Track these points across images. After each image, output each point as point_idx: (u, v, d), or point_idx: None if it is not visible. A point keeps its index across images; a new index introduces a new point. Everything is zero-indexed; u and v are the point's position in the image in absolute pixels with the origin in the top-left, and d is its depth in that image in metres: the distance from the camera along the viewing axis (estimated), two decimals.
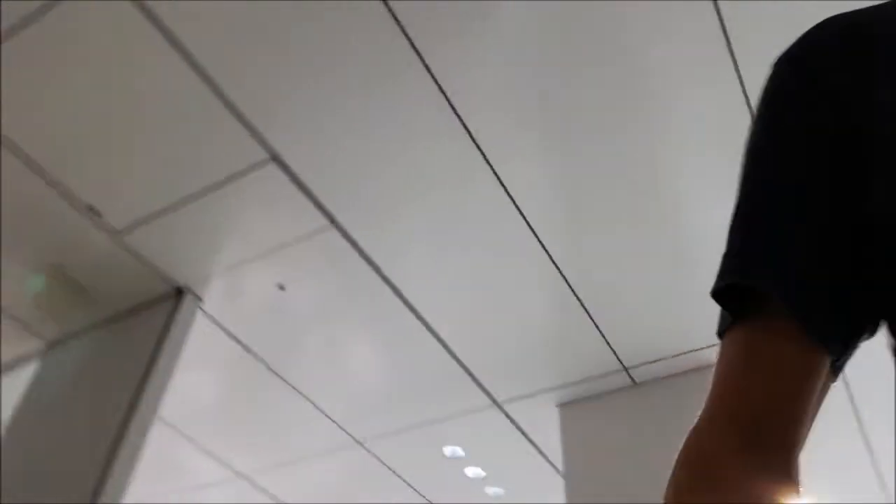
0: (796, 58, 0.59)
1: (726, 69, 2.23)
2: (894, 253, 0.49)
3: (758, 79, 2.06)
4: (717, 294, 0.56)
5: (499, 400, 3.47)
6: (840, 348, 0.53)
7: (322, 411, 3.62)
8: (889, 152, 0.50)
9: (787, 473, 0.50)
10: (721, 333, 0.56)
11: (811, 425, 0.55)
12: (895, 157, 0.49)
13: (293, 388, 3.48)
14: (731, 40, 2.17)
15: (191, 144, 2.48)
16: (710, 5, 2.10)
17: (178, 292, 2.97)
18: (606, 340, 3.14)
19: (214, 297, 3.03)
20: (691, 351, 3.16)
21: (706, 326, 2.85)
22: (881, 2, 0.59)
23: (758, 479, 0.50)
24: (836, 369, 0.56)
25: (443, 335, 3.17)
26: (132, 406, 2.74)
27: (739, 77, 2.25)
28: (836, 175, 0.52)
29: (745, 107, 2.33)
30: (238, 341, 3.23)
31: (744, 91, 2.28)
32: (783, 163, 0.56)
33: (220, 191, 2.59)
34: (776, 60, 0.61)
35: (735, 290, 0.55)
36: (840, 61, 0.55)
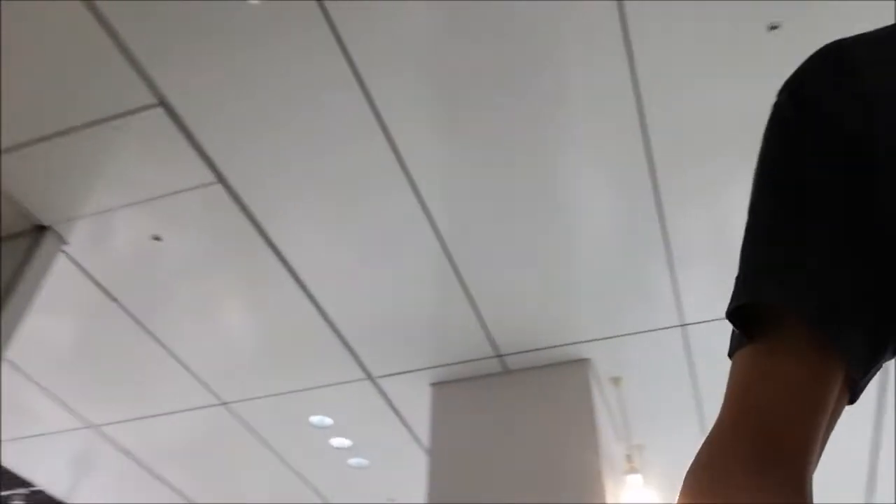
0: (793, 87, 0.61)
1: (622, 75, 2.28)
2: None
3: (656, 100, 2.12)
4: (732, 315, 0.56)
5: (373, 374, 3.46)
6: (861, 364, 0.54)
7: (187, 368, 3.48)
8: (891, 165, 0.52)
9: (799, 492, 0.50)
10: (732, 353, 0.57)
11: (824, 444, 0.56)
12: None
13: (158, 341, 3.33)
14: (635, 60, 2.22)
15: (74, 77, 2.28)
16: (623, 46, 2.13)
17: (40, 230, 2.75)
18: (485, 326, 3.19)
19: (81, 240, 2.83)
20: (563, 345, 3.26)
21: (579, 323, 2.99)
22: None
23: (769, 496, 0.50)
24: (856, 391, 0.57)
25: (323, 304, 3.12)
26: None
27: (638, 97, 2.31)
28: (841, 192, 0.54)
29: (639, 126, 2.39)
30: (103, 289, 3.04)
31: (641, 115, 2.35)
32: (787, 187, 0.58)
33: (99, 129, 2.40)
34: (778, 91, 0.63)
35: (748, 310, 0.55)
36: (833, 85, 0.58)
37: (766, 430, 0.51)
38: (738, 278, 0.57)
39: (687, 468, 0.54)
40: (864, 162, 0.53)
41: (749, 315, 0.55)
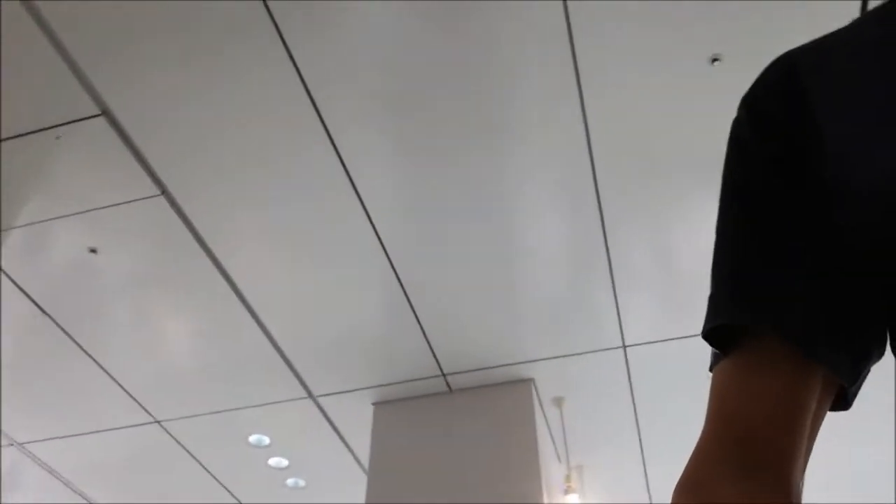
0: (748, 102, 0.63)
1: (572, 100, 2.33)
2: (874, 261, 0.52)
3: (602, 127, 2.17)
4: (707, 335, 0.57)
5: (315, 393, 3.41)
6: (848, 374, 0.55)
7: (120, 384, 3.36)
8: (843, 171, 0.53)
9: (785, 495, 0.51)
10: (712, 368, 0.57)
11: (810, 448, 0.57)
12: (850, 176, 0.53)
13: (90, 357, 3.21)
14: (584, 92, 2.27)
15: (12, 84, 2.19)
16: (570, 56, 2.18)
17: None
18: (430, 345, 3.18)
19: (13, 251, 2.72)
20: (508, 364, 3.28)
21: (524, 343, 3.02)
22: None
23: (756, 501, 0.51)
24: (849, 398, 0.58)
25: (265, 321, 3.06)
26: None
27: (586, 124, 2.36)
28: (800, 207, 0.55)
29: (586, 150, 2.44)
30: (34, 301, 2.92)
31: (587, 136, 2.40)
32: (749, 204, 0.59)
33: (37, 138, 2.32)
34: (738, 107, 0.64)
35: (723, 328, 0.56)
36: (784, 98, 0.59)
37: (747, 438, 0.53)
38: (710, 298, 0.59)
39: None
40: (820, 176, 0.54)
41: (724, 332, 0.56)
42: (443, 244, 2.78)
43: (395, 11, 2.12)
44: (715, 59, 2.22)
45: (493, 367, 3.31)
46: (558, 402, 3.47)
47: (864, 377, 0.57)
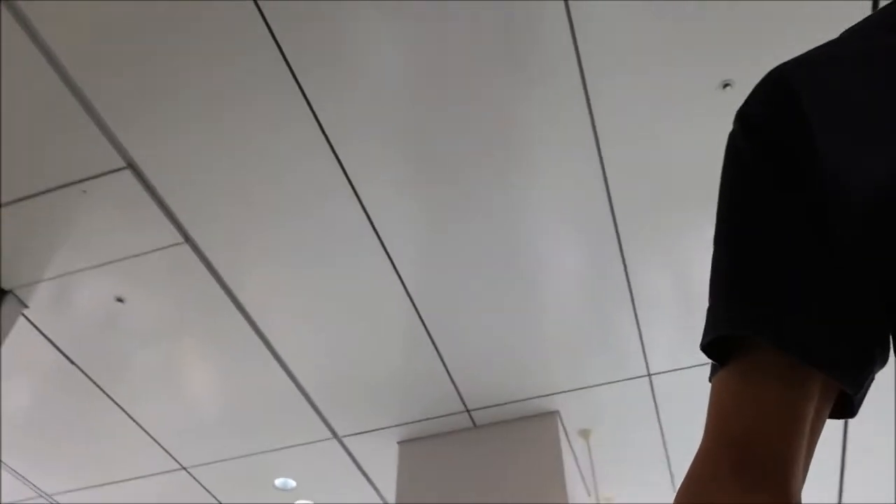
0: (743, 116, 0.64)
1: (586, 134, 2.36)
2: (871, 267, 0.53)
3: (616, 156, 2.20)
4: (705, 347, 0.59)
5: (339, 433, 3.41)
6: (851, 381, 0.55)
7: (146, 431, 3.39)
8: (836, 180, 0.54)
9: (784, 501, 0.52)
10: (711, 378, 0.59)
11: (811, 455, 0.57)
12: (842, 184, 0.54)
13: (118, 405, 3.24)
14: (598, 130, 2.31)
15: (39, 142, 2.26)
16: (582, 92, 2.22)
17: (1, 294, 2.69)
18: (453, 382, 3.19)
19: (42, 303, 2.77)
20: (532, 398, 3.27)
21: (547, 375, 3.00)
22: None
23: None
24: (854, 406, 0.58)
25: (290, 364, 3.08)
26: None
27: (600, 156, 2.39)
28: (796, 217, 0.56)
29: (602, 181, 2.47)
30: (62, 352, 2.97)
31: (602, 167, 2.43)
32: (746, 217, 0.60)
33: (66, 192, 2.38)
34: (733, 120, 0.66)
35: (721, 340, 0.58)
36: (777, 111, 0.60)
37: (745, 445, 0.53)
38: (709, 310, 0.60)
39: None
40: (813, 185, 0.56)
41: (722, 342, 0.57)
42: (463, 281, 2.80)
43: (410, 67, 2.18)
44: (726, 85, 2.25)
45: (518, 401, 3.30)
46: (585, 433, 3.44)
47: (869, 384, 0.58)
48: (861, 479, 3.58)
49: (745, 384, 0.56)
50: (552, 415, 3.35)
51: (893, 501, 3.59)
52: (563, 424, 3.37)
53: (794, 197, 0.57)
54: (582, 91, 2.25)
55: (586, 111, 2.30)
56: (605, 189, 2.51)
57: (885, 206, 0.51)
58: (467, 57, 2.17)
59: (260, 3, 2.02)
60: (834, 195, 0.54)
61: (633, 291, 2.82)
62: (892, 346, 0.57)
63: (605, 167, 2.44)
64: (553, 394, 3.26)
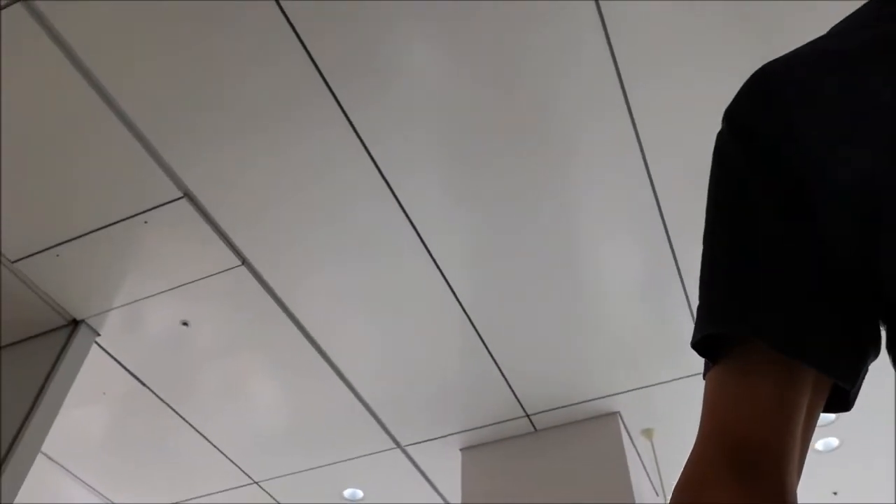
0: (730, 116, 0.65)
1: (628, 135, 2.36)
2: (854, 265, 0.53)
3: (659, 155, 2.19)
4: (696, 345, 0.60)
5: (402, 443, 3.47)
6: (844, 375, 0.56)
7: (218, 449, 3.51)
8: (819, 176, 0.55)
9: (779, 495, 0.52)
10: (705, 375, 0.60)
11: (805, 450, 0.58)
12: (825, 180, 0.55)
13: (190, 425, 3.37)
14: (638, 129, 2.31)
15: (100, 178, 2.39)
16: (622, 99, 2.22)
17: (74, 324, 2.84)
18: (511, 387, 3.20)
19: (112, 330, 2.91)
20: (592, 399, 3.26)
21: (606, 376, 2.98)
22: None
23: (749, 502, 0.52)
24: (849, 400, 0.59)
25: (349, 377, 3.15)
26: (14, 441, 2.59)
27: (643, 156, 2.38)
28: (784, 214, 0.57)
29: (647, 181, 2.46)
30: (134, 376, 3.10)
31: (646, 167, 2.42)
32: (734, 215, 0.61)
33: (127, 224, 2.51)
34: (721, 119, 0.67)
35: (711, 338, 0.59)
36: (762, 111, 0.60)
37: (738, 441, 0.54)
38: (699, 308, 0.60)
39: None
40: (799, 183, 0.56)
41: (713, 340, 0.58)
42: (514, 286, 2.82)
43: (445, 71, 2.22)
44: None
45: (577, 404, 3.30)
46: (648, 433, 3.41)
47: (863, 377, 0.58)
48: None
49: (738, 382, 0.56)
50: (613, 416, 3.33)
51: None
52: (624, 425, 3.35)
53: (780, 194, 0.58)
54: (622, 96, 2.25)
55: (627, 114, 2.30)
56: (650, 185, 2.49)
57: (868, 200, 0.52)
58: (500, 57, 2.19)
59: (303, 38, 2.09)
60: (819, 191, 0.55)
61: (686, 286, 2.79)
62: (883, 337, 0.57)
63: (648, 163, 2.43)
64: (613, 394, 3.24)
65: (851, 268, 0.54)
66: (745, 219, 0.60)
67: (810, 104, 0.58)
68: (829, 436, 3.45)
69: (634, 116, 2.31)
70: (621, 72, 2.21)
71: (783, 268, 0.56)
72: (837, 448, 3.48)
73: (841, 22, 0.66)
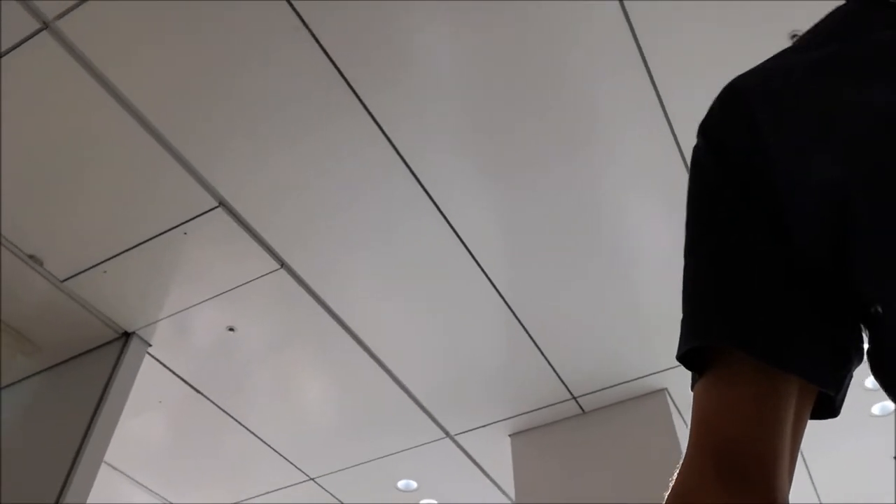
0: (704, 129, 0.66)
1: (656, 114, 2.34)
2: (830, 271, 0.54)
3: (685, 120, 2.15)
4: (681, 359, 0.61)
5: (451, 432, 3.50)
6: (829, 381, 0.56)
7: (273, 448, 3.59)
8: (790, 187, 0.56)
9: (769, 502, 0.53)
10: (692, 387, 0.61)
11: (795, 457, 0.59)
12: (795, 190, 0.56)
13: (244, 426, 3.45)
14: (659, 89, 2.28)
15: (137, 194, 2.47)
16: (640, 62, 2.20)
17: (126, 337, 2.93)
18: (555, 370, 3.21)
19: (162, 340, 3.00)
20: (635, 379, 3.25)
21: (650, 354, 2.96)
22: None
23: None
24: (835, 405, 0.59)
25: (394, 370, 3.19)
26: (78, 453, 2.69)
27: (669, 121, 2.36)
28: (759, 226, 0.57)
29: (675, 147, 2.43)
30: (187, 383, 3.19)
31: (672, 133, 2.39)
32: (712, 227, 0.61)
33: (167, 237, 2.58)
34: (696, 132, 0.67)
35: (696, 350, 0.60)
36: (734, 124, 0.61)
37: (727, 450, 0.55)
38: (682, 321, 0.61)
39: None
40: (772, 194, 0.57)
41: (699, 352, 0.59)
42: (550, 268, 2.82)
43: (457, 47, 2.22)
44: (794, 36, 2.18)
45: (623, 383, 3.28)
46: None
47: (848, 382, 0.58)
48: None
49: (724, 392, 0.57)
50: (661, 392, 3.31)
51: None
52: (673, 401, 3.33)
53: (754, 206, 0.58)
54: (643, 68, 2.23)
55: (651, 88, 2.28)
56: (680, 158, 2.47)
57: (839, 208, 0.53)
58: (523, 46, 2.19)
59: (316, 34, 2.12)
60: (791, 201, 0.56)
61: None
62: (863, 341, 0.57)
63: (677, 137, 2.40)
64: (658, 372, 3.22)
65: (827, 273, 0.55)
66: (722, 231, 0.60)
67: (778, 116, 0.59)
68: (885, 400, 3.38)
69: (658, 87, 2.28)
70: (638, 38, 2.18)
71: (761, 278, 0.57)
72: (895, 412, 3.41)
73: (806, 33, 0.67)
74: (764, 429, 0.55)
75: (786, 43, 0.71)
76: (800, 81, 0.59)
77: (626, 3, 2.10)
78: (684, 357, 0.60)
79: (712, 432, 0.56)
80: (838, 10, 0.65)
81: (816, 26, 0.66)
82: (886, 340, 0.54)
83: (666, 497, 0.57)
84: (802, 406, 0.58)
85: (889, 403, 3.40)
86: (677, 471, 0.57)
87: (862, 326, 0.57)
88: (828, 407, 0.60)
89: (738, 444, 0.55)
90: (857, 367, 0.58)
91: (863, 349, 0.58)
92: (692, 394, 0.60)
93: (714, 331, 0.58)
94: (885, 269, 0.51)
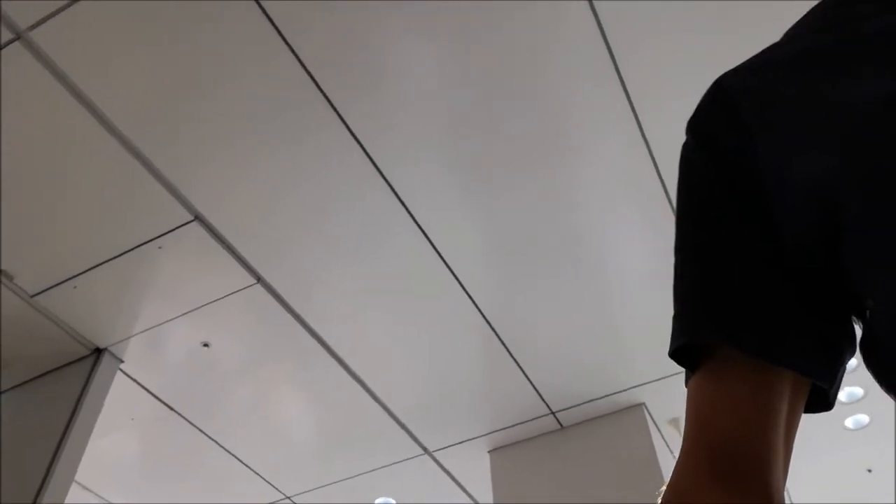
0: (693, 126, 0.66)
1: (631, 127, 2.36)
2: (820, 265, 0.54)
3: (659, 132, 2.16)
4: (673, 355, 0.61)
5: (430, 449, 3.47)
6: (821, 374, 0.56)
7: (249, 467, 3.54)
8: (776, 182, 0.56)
9: (764, 497, 0.53)
10: (686, 383, 0.61)
11: (789, 451, 0.58)
12: (782, 185, 0.56)
13: (219, 444, 3.39)
14: (634, 102, 2.30)
15: (111, 207, 2.43)
16: (615, 74, 2.22)
17: (97, 353, 2.88)
18: (533, 386, 3.20)
19: (135, 356, 2.95)
20: (613, 393, 3.25)
21: (628, 368, 2.96)
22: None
23: None
24: (829, 398, 0.59)
25: (372, 387, 3.17)
26: (48, 472, 2.63)
27: (643, 133, 2.38)
28: (747, 223, 0.57)
29: (650, 159, 2.45)
30: (160, 400, 3.14)
31: (647, 145, 2.41)
32: (702, 225, 0.61)
33: (141, 251, 2.54)
34: (685, 129, 0.67)
35: (688, 347, 0.60)
36: (721, 120, 0.61)
37: (721, 446, 0.54)
38: (674, 318, 0.61)
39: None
40: (761, 190, 0.57)
41: (691, 348, 0.59)
42: (528, 283, 2.82)
43: (432, 58, 2.22)
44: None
45: (601, 398, 3.29)
46: (675, 422, 3.39)
47: (842, 375, 0.58)
48: None
49: (717, 388, 0.57)
50: (638, 407, 3.32)
51: None
52: (651, 416, 3.33)
53: (743, 202, 0.59)
54: (616, 77, 2.25)
55: (624, 98, 2.30)
56: (658, 176, 2.49)
57: (827, 202, 0.53)
58: (498, 60, 2.20)
59: (299, 54, 2.11)
60: (779, 196, 0.56)
61: None
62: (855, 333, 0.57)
63: (651, 148, 2.42)
64: (636, 386, 3.23)
65: (817, 268, 0.55)
66: (712, 227, 0.61)
67: (765, 113, 0.59)
68: (858, 413, 3.41)
69: (631, 98, 2.30)
70: (613, 49, 2.20)
71: (751, 273, 0.57)
72: (868, 425, 3.44)
73: (792, 28, 0.67)
74: (758, 425, 0.55)
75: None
76: (784, 76, 0.60)
77: (599, 15, 2.12)
78: (676, 353, 0.60)
79: (706, 431, 0.56)
80: (822, 3, 0.66)
81: (802, 19, 0.67)
82: (879, 333, 0.54)
83: (661, 497, 0.57)
84: (796, 400, 0.58)
85: (863, 416, 3.43)
86: (674, 468, 0.57)
87: (855, 319, 0.57)
88: (822, 400, 0.60)
89: (733, 442, 0.55)
90: (850, 359, 0.58)
91: (856, 342, 0.57)
92: (686, 390, 0.60)
93: (704, 327, 0.58)
94: (875, 264, 0.51)
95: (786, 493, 3.72)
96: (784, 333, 0.55)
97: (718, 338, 0.57)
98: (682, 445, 0.57)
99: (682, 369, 0.60)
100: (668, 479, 0.57)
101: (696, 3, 2.09)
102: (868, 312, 0.55)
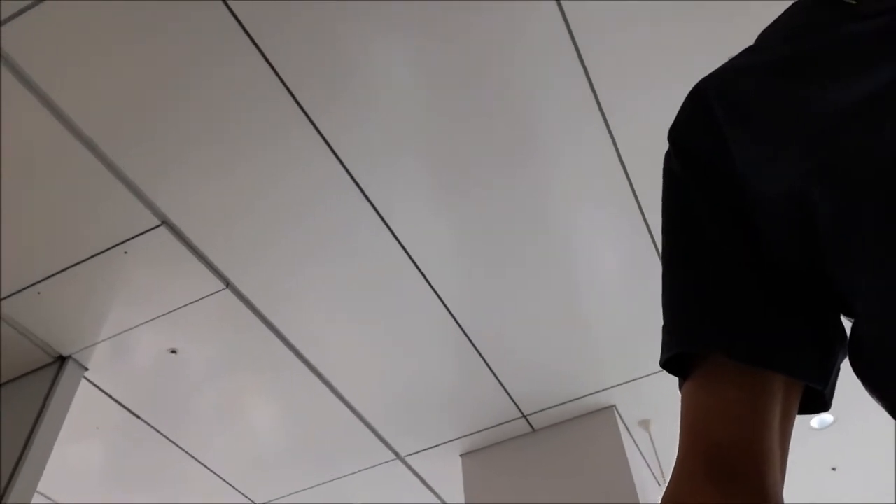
0: (673, 135, 0.66)
1: (599, 128, 2.37)
2: (802, 268, 0.55)
3: (626, 130, 2.17)
4: (665, 365, 0.61)
5: (401, 454, 3.46)
6: (815, 377, 0.57)
7: (218, 475, 3.49)
8: (753, 188, 0.57)
9: (761, 498, 0.53)
10: (680, 389, 0.61)
11: (785, 451, 0.59)
12: (757, 191, 0.56)
13: (187, 452, 3.34)
14: (601, 101, 2.32)
15: (75, 212, 2.38)
16: (582, 73, 2.24)
17: (61, 361, 2.81)
18: (505, 389, 3.21)
19: (100, 364, 2.89)
20: (586, 395, 3.27)
21: (599, 371, 2.97)
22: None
23: None
24: (825, 399, 0.60)
25: (343, 392, 3.14)
26: (9, 483, 2.57)
27: (611, 135, 2.40)
28: (730, 230, 0.58)
29: (617, 158, 2.47)
30: (126, 408, 3.08)
31: (614, 143, 2.43)
32: (686, 234, 0.62)
33: (106, 256, 2.49)
34: (667, 135, 0.68)
35: (679, 355, 0.60)
36: (699, 127, 0.62)
37: (715, 450, 0.55)
38: (663, 328, 0.62)
39: None
40: (739, 195, 0.58)
41: (682, 356, 0.59)
42: (498, 285, 2.82)
43: (404, 59, 2.21)
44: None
45: (572, 401, 3.30)
46: (645, 424, 3.42)
47: (836, 375, 0.59)
48: None
49: (709, 394, 0.57)
50: (609, 409, 3.34)
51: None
52: (621, 418, 3.36)
53: (723, 208, 0.59)
54: (585, 79, 2.26)
55: (593, 100, 2.31)
56: (627, 180, 2.51)
57: (804, 206, 0.53)
58: (465, 59, 2.20)
59: (267, 54, 2.09)
60: (757, 201, 0.57)
61: None
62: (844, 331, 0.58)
63: (620, 151, 2.43)
64: (607, 388, 3.25)
65: (800, 271, 0.56)
66: (695, 236, 0.61)
67: (740, 119, 0.59)
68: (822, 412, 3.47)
69: (600, 99, 2.31)
70: (581, 49, 2.22)
71: (736, 279, 0.57)
72: (833, 424, 3.50)
73: (765, 30, 0.68)
74: (751, 429, 0.55)
75: (728, 52, 0.72)
76: (759, 82, 0.60)
77: (567, 13, 2.13)
78: (667, 364, 0.60)
79: (701, 436, 0.57)
80: (795, 5, 0.66)
81: (775, 23, 0.67)
82: (864, 333, 0.54)
83: (662, 498, 0.57)
84: (789, 402, 0.58)
85: (827, 416, 3.49)
86: (671, 474, 0.58)
87: (843, 317, 0.58)
88: (819, 401, 0.60)
89: (727, 446, 0.55)
90: (843, 358, 0.59)
91: (846, 340, 0.58)
92: (680, 396, 0.60)
93: (693, 336, 0.58)
94: (856, 265, 0.51)
95: None
96: (772, 337, 0.55)
97: (707, 347, 0.57)
98: (678, 451, 0.58)
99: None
100: (665, 485, 0.57)
101: (664, 3, 2.11)
102: (853, 312, 0.55)
